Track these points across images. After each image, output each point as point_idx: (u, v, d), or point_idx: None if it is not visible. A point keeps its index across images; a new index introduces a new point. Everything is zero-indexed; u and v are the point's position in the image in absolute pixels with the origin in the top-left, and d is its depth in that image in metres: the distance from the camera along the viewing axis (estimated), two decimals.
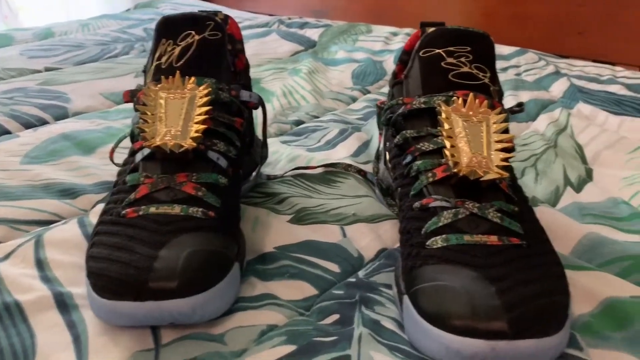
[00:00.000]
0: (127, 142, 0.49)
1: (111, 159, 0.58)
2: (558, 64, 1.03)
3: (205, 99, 0.43)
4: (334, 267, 0.45)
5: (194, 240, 0.37)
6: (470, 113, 0.41)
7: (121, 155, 0.50)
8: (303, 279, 0.43)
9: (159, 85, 0.44)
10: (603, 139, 0.70)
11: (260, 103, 0.49)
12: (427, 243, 0.37)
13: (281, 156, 0.64)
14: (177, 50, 0.46)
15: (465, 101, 0.42)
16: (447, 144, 0.40)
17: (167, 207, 0.39)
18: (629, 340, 0.37)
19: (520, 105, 0.45)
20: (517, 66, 1.02)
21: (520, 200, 0.41)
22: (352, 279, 0.44)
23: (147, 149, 0.42)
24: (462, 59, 0.44)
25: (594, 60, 1.12)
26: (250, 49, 1.13)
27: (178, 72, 0.44)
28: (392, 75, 0.52)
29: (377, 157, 0.52)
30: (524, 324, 0.32)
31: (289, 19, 1.42)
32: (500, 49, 1.13)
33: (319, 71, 0.97)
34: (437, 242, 0.37)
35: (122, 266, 0.35)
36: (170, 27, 0.47)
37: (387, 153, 0.49)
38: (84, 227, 0.48)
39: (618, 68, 1.05)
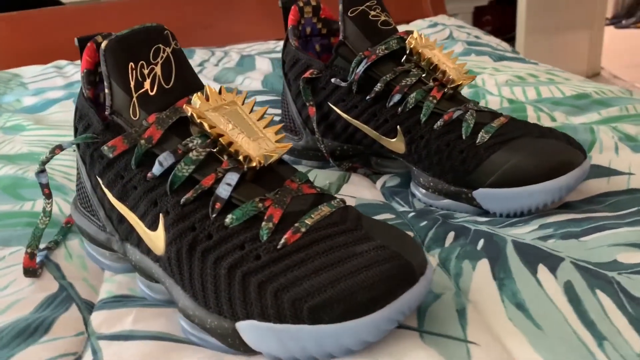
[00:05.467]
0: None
1: None
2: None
3: (251, 103, 0.38)
4: (388, 215, 0.48)
5: (375, 223, 0.35)
6: (425, 44, 0.50)
7: None
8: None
9: (198, 105, 0.36)
10: None
11: None
12: (477, 141, 0.46)
13: None
14: (158, 69, 0.37)
15: (413, 38, 0.51)
16: (439, 66, 0.48)
17: (316, 213, 0.35)
18: None
19: None
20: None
21: None
22: (412, 214, 0.48)
23: (232, 175, 0.35)
24: (378, 10, 0.52)
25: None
26: None
27: (208, 87, 0.37)
28: (285, 49, 0.55)
29: (314, 130, 0.54)
30: (583, 152, 0.46)
31: None
32: None
33: None
34: (483, 136, 0.46)
35: (370, 270, 0.31)
36: (131, 48, 0.37)
37: (344, 114, 0.53)
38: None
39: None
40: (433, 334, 0.33)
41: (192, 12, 1.40)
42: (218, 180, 0.35)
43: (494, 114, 0.49)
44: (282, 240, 0.33)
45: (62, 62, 1.19)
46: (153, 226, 0.36)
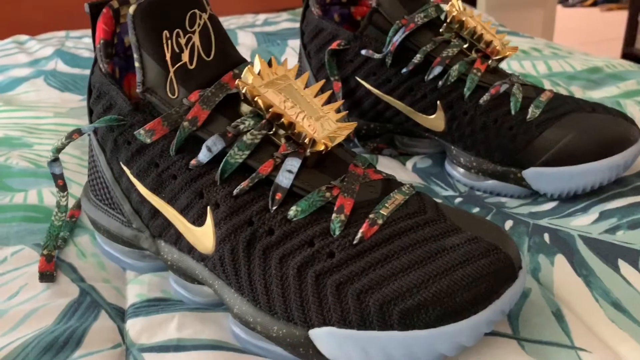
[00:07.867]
0: None
1: None
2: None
3: (305, 77, 0.33)
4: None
5: (456, 212, 0.32)
6: (465, 12, 0.47)
7: None
8: None
9: (250, 81, 0.31)
10: None
11: None
12: (528, 117, 0.43)
13: None
14: (196, 39, 0.32)
15: (454, 6, 0.47)
16: (484, 36, 0.45)
17: (390, 202, 0.31)
18: None
19: None
20: None
21: None
22: (459, 199, 0.45)
23: (293, 161, 0.30)
24: None
25: None
26: None
27: (258, 57, 0.32)
28: (305, 19, 0.50)
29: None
30: (637, 127, 0.43)
31: None
32: None
33: None
34: (534, 111, 0.43)
35: (468, 267, 0.27)
36: (165, 14, 0.32)
37: (375, 90, 0.48)
38: None
39: None
40: (534, 341, 0.30)
41: None
42: (276, 167, 0.30)
43: (538, 88, 0.46)
44: (359, 235, 0.29)
45: (22, 37, 1.08)
46: (198, 221, 0.32)
